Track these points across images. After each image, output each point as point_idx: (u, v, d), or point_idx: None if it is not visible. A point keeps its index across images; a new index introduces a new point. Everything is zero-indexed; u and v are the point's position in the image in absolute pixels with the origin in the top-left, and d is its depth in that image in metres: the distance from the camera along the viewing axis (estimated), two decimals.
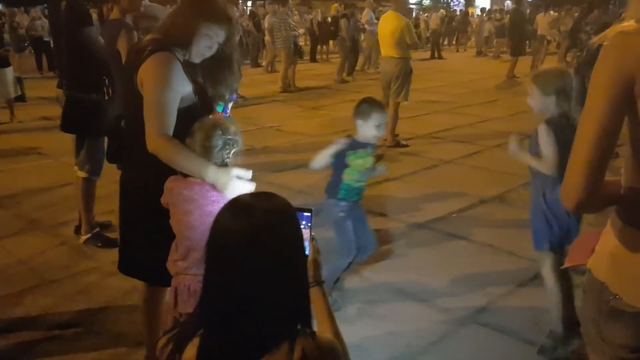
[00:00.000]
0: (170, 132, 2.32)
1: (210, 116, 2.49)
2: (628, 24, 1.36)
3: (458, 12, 29.45)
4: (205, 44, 2.47)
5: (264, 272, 1.25)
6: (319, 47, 19.02)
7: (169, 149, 2.27)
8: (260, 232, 1.25)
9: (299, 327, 1.31)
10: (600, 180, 1.41)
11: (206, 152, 2.26)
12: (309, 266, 1.57)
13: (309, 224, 1.63)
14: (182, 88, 2.41)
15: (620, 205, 1.50)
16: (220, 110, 2.87)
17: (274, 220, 1.28)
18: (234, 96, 2.95)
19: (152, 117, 2.31)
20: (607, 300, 1.49)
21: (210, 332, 1.30)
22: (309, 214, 1.63)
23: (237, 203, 1.34)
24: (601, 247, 1.57)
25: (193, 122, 2.33)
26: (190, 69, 2.50)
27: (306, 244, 1.58)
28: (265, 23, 14.36)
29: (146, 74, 2.37)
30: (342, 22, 14.24)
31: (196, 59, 2.52)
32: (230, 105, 2.93)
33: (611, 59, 1.35)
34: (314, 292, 1.54)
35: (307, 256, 1.63)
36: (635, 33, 1.33)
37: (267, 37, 14.13)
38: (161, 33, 2.50)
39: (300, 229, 1.36)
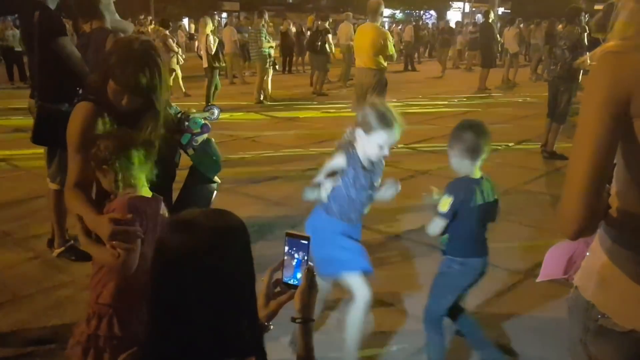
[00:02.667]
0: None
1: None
2: (614, 43, 1.35)
3: (430, 26, 29.90)
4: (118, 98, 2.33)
5: (201, 292, 1.20)
6: (295, 58, 19.06)
7: (69, 201, 2.31)
8: (198, 250, 1.20)
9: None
10: (598, 205, 1.37)
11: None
12: (296, 298, 1.48)
13: (306, 252, 1.50)
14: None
15: (610, 224, 1.47)
16: (184, 143, 2.66)
17: (214, 239, 1.22)
18: (207, 127, 2.73)
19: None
20: (594, 319, 1.47)
21: (156, 349, 1.25)
22: (305, 242, 1.51)
23: (181, 218, 1.28)
24: (588, 263, 1.55)
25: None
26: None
27: (300, 272, 1.51)
28: (224, 35, 14.31)
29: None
30: (328, 38, 14.31)
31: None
32: (199, 138, 2.68)
33: (604, 80, 1.33)
34: (299, 329, 1.47)
35: (282, 282, 1.53)
36: (624, 52, 1.32)
37: (226, 49, 14.03)
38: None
39: (248, 252, 1.29)
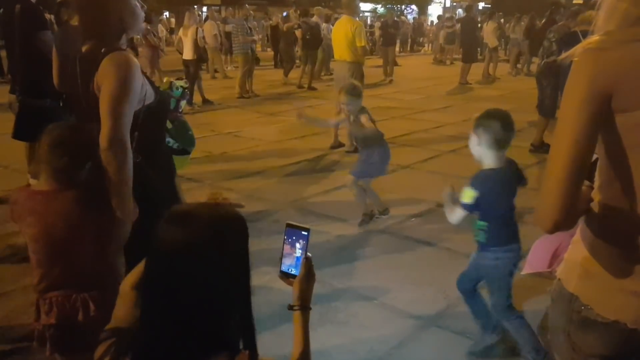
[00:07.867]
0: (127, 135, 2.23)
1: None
2: (596, 39, 1.35)
3: (411, 20, 29.93)
4: (140, 12, 2.39)
5: (196, 286, 1.22)
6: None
7: (124, 155, 2.19)
8: (196, 242, 1.22)
9: (241, 348, 1.27)
10: (576, 199, 1.38)
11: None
12: (294, 286, 1.52)
13: (305, 243, 1.56)
14: (141, 88, 2.34)
15: (591, 218, 1.49)
16: (172, 108, 2.79)
17: (211, 231, 1.24)
18: (186, 95, 2.89)
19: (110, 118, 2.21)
20: (578, 310, 1.49)
21: (147, 341, 1.26)
22: (305, 233, 1.57)
23: (178, 211, 1.29)
24: (570, 256, 1.57)
25: (156, 122, 2.30)
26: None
27: (299, 262, 1.55)
28: (205, 29, 14.21)
29: (105, 76, 2.25)
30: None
31: (136, 33, 2.47)
32: (182, 103, 2.85)
33: (584, 76, 1.33)
34: (295, 316, 1.50)
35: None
36: (605, 48, 1.33)
37: (208, 43, 13.93)
38: (94, 36, 2.36)
39: (244, 244, 1.30)
